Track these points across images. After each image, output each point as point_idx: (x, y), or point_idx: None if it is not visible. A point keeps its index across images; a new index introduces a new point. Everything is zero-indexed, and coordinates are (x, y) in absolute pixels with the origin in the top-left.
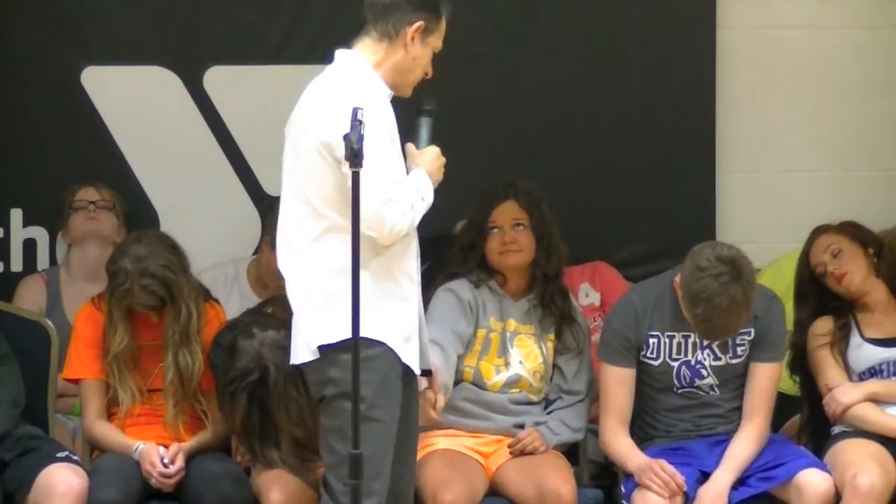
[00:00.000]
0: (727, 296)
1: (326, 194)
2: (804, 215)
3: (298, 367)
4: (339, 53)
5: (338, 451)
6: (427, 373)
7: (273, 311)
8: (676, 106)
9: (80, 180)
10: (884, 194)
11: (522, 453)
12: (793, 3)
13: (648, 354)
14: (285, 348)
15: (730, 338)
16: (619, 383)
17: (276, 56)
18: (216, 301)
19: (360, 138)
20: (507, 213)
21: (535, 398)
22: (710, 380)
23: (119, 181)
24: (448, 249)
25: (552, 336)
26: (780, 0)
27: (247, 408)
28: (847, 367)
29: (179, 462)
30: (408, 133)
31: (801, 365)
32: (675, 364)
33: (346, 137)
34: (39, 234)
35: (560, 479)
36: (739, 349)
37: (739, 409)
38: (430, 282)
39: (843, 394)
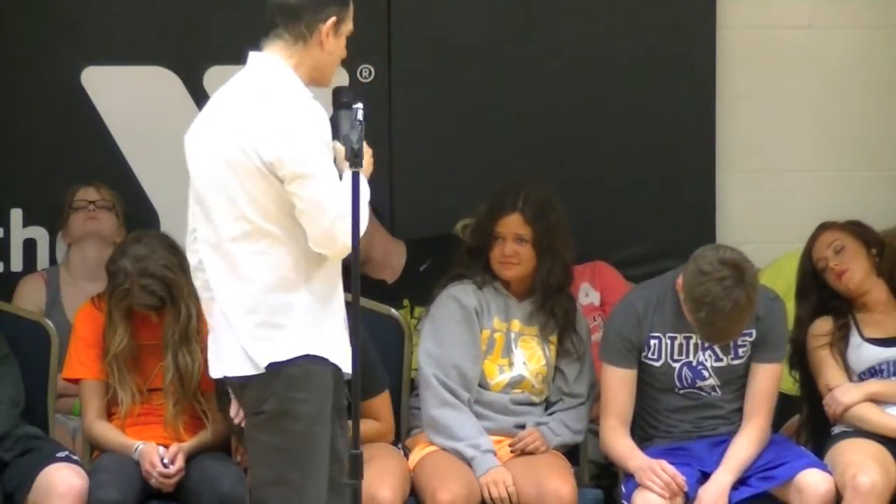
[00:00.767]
0: (730, 300)
1: (268, 210)
2: (804, 215)
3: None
4: (254, 56)
5: (276, 469)
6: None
7: None
8: (676, 106)
9: (80, 180)
10: (885, 194)
11: (523, 453)
12: (793, 3)
13: (650, 355)
14: None
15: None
16: (620, 384)
17: None
18: None
19: (361, 138)
20: (511, 227)
21: (536, 399)
22: (711, 381)
23: (119, 181)
24: (448, 249)
25: (555, 339)
26: (780, 0)
27: None
28: (847, 368)
29: (179, 462)
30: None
31: (801, 361)
32: (677, 365)
33: (346, 137)
34: (39, 233)
35: (560, 479)
36: (741, 350)
37: (741, 409)
38: (433, 282)
39: (844, 394)
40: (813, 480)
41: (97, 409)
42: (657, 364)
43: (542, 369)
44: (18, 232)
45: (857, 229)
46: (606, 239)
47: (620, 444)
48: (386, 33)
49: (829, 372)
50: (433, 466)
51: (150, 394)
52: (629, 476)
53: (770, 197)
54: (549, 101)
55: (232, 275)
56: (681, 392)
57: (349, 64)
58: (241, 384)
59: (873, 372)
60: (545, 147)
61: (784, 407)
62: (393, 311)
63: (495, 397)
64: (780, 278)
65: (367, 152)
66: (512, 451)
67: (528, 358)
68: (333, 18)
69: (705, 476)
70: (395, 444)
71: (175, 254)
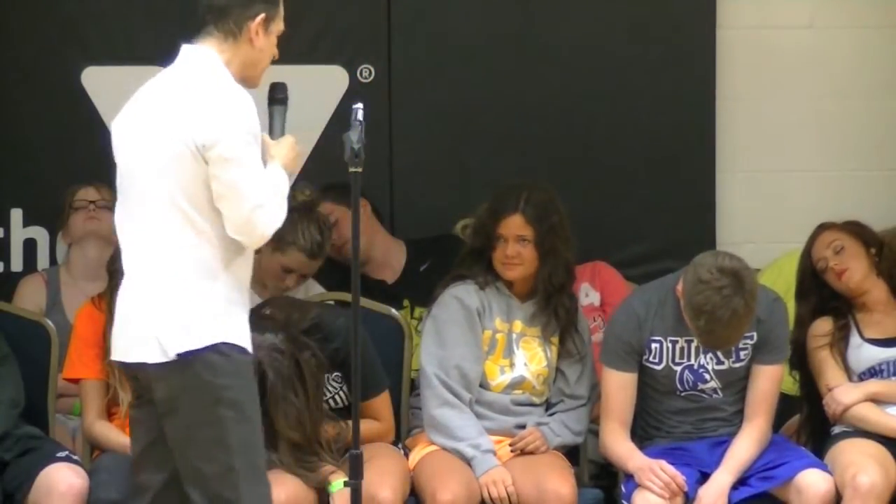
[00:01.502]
0: (729, 308)
1: (193, 196)
2: (804, 215)
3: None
4: (186, 49)
5: (220, 460)
6: None
7: (271, 312)
8: (676, 106)
9: (80, 180)
10: (884, 194)
11: (523, 452)
12: (793, 3)
13: (651, 359)
14: (283, 352)
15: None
16: (620, 388)
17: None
18: None
19: (361, 138)
20: (512, 228)
21: (537, 400)
22: (713, 383)
23: None
24: (448, 249)
25: (556, 340)
26: (780, 0)
27: None
28: (847, 368)
29: None
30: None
31: (801, 362)
32: (678, 368)
33: (346, 137)
34: (39, 233)
35: (560, 478)
36: (742, 353)
37: (742, 411)
38: (433, 282)
39: (844, 394)
40: (813, 480)
41: (97, 409)
42: (658, 367)
43: (544, 370)
44: (19, 232)
45: (856, 229)
46: (606, 239)
47: (620, 447)
48: (386, 33)
49: (829, 372)
50: (433, 466)
51: None
52: (629, 476)
53: (770, 197)
54: (549, 101)
55: (150, 260)
56: (682, 395)
57: (349, 64)
58: (154, 372)
59: (873, 372)
60: (545, 147)
61: (784, 407)
62: (393, 311)
63: (496, 398)
64: (780, 278)
65: (287, 143)
66: (512, 451)
67: (529, 359)
68: (262, 15)
69: (705, 476)
70: (395, 444)
71: None
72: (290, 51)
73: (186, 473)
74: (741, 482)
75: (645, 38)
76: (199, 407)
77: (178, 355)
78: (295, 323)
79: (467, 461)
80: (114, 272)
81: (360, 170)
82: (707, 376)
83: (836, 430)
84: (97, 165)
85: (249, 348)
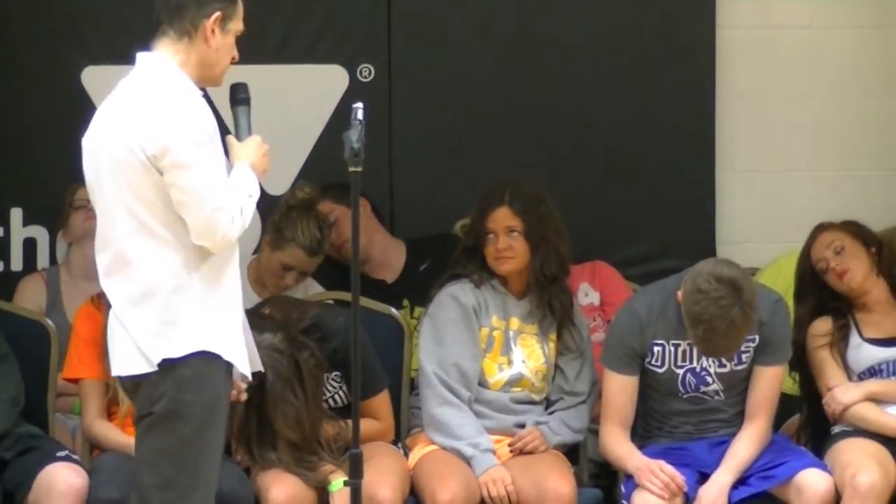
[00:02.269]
0: (727, 319)
1: (155, 206)
2: (804, 215)
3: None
4: (141, 57)
5: (163, 472)
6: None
7: (270, 312)
8: (676, 106)
9: (80, 179)
10: (884, 194)
11: (522, 452)
12: (793, 3)
13: (653, 362)
14: (282, 352)
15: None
16: (621, 390)
17: (276, 56)
18: None
19: (361, 138)
20: (501, 220)
21: (536, 398)
22: (715, 386)
23: None
24: (447, 248)
25: (554, 336)
26: (780, 0)
27: (244, 411)
28: (846, 368)
29: None
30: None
31: (800, 361)
32: (680, 371)
33: (346, 136)
34: (39, 233)
35: (560, 478)
36: (744, 356)
37: (743, 412)
38: (432, 281)
39: (843, 393)
40: (812, 480)
41: (97, 409)
42: (661, 370)
43: (542, 367)
44: (18, 231)
45: (855, 229)
46: (606, 239)
47: (619, 447)
48: (386, 33)
49: (829, 372)
50: (433, 466)
51: None
52: (629, 476)
53: (770, 196)
54: (549, 101)
55: (121, 272)
56: (684, 397)
57: (349, 63)
58: (136, 383)
59: (873, 372)
60: (545, 147)
61: (784, 407)
62: (393, 310)
63: (495, 396)
64: (780, 278)
65: (253, 143)
66: (511, 451)
67: (527, 356)
68: (218, 14)
69: (704, 477)
70: (395, 443)
71: None
72: (290, 50)
73: (137, 479)
74: (741, 482)
75: (645, 38)
76: (159, 418)
77: (158, 364)
78: (294, 322)
79: (467, 460)
80: None
81: (359, 169)
82: (709, 379)
83: (836, 429)
84: None
85: (228, 356)
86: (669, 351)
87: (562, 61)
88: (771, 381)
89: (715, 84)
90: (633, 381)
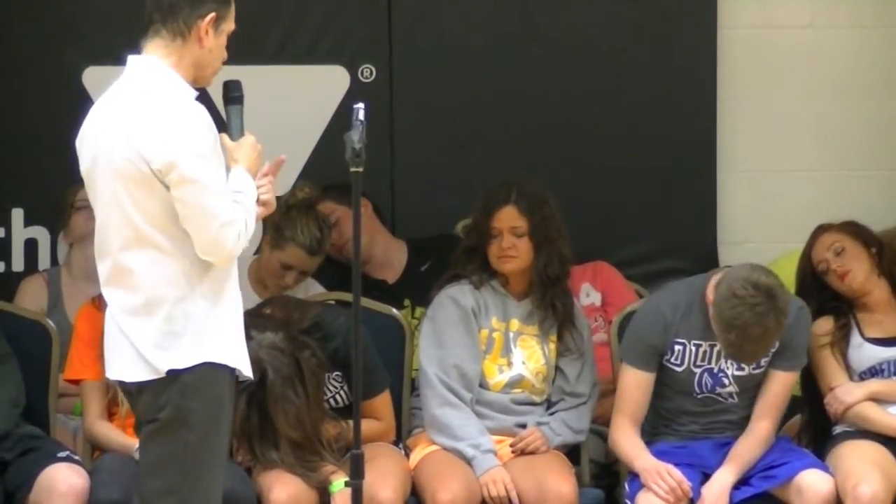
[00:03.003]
0: (761, 326)
1: (156, 217)
2: (804, 215)
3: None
4: (133, 60)
5: (166, 479)
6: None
7: (272, 311)
8: (677, 106)
9: (81, 180)
10: (884, 194)
11: (524, 452)
12: (793, 3)
13: (672, 360)
14: (283, 351)
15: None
16: (636, 386)
17: (277, 56)
18: None
19: (362, 138)
20: (506, 219)
21: (537, 399)
22: (730, 388)
23: None
24: (449, 249)
25: (554, 337)
26: (781, 0)
27: (246, 410)
28: (848, 367)
29: None
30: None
31: None
32: (698, 371)
33: (347, 137)
34: (41, 233)
35: (561, 478)
36: (763, 360)
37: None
38: (434, 282)
39: (845, 393)
40: (813, 481)
41: (98, 410)
42: (679, 369)
43: (542, 368)
44: (20, 232)
45: (855, 230)
46: (607, 239)
47: (628, 443)
48: (387, 33)
49: (831, 371)
50: (434, 466)
51: None
52: (634, 475)
53: (770, 196)
54: (550, 101)
55: (122, 282)
56: (698, 397)
57: (350, 64)
58: (138, 388)
59: (874, 371)
60: (545, 147)
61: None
62: (394, 310)
63: (496, 397)
64: (781, 278)
65: (247, 144)
66: (513, 451)
67: (527, 357)
68: (212, 14)
69: (706, 477)
70: (396, 443)
71: None
72: (291, 51)
73: (139, 485)
74: (743, 482)
75: (645, 38)
76: (164, 425)
77: (165, 372)
78: (295, 322)
79: (468, 461)
80: None
81: (361, 169)
82: (726, 381)
83: (838, 429)
84: None
85: (232, 362)
86: (690, 350)
87: (562, 61)
88: (782, 386)
89: (716, 84)
90: (650, 377)
